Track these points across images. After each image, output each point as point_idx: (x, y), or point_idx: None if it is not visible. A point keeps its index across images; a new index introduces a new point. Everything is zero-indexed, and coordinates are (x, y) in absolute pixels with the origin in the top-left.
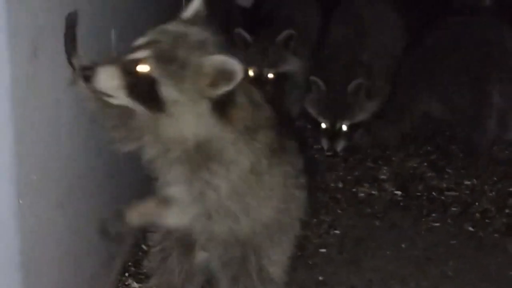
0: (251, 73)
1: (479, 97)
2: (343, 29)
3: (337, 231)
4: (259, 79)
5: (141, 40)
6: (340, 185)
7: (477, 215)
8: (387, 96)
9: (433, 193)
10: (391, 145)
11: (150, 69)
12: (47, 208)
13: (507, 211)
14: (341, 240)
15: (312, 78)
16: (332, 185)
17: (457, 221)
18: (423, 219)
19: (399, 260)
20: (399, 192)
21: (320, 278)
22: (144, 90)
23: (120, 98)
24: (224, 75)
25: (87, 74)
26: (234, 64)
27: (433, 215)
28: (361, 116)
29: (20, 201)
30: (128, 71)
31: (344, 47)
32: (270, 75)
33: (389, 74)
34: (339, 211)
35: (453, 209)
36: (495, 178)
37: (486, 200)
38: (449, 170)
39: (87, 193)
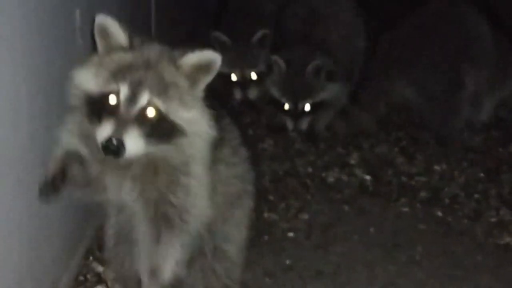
0: (234, 77)
1: (453, 83)
2: (303, 11)
3: (305, 216)
4: (241, 81)
5: (118, 85)
6: (310, 170)
7: (446, 200)
8: (353, 80)
9: (403, 178)
10: (366, 131)
11: (157, 108)
12: (6, 188)
13: (476, 196)
14: (309, 225)
15: (274, 57)
16: (301, 170)
17: (426, 206)
18: (392, 204)
19: (367, 245)
20: (368, 177)
21: (287, 262)
22: (163, 129)
23: (148, 151)
24: (203, 67)
25: (114, 149)
26: (209, 54)
27: (402, 200)
28: (323, 96)
29: None
30: (143, 123)
31: (304, 30)
32: (253, 76)
33: (356, 59)
34: (308, 196)
35: (422, 194)
36: (465, 164)
37: (456, 186)
38: (419, 156)
39: None
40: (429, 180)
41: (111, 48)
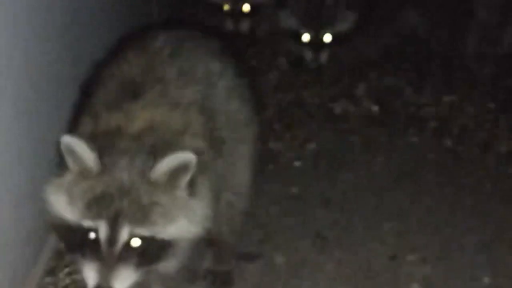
0: (226, 7)
1: (461, 11)
2: None
3: (311, 146)
4: (233, 12)
5: (95, 222)
6: (316, 100)
7: (456, 130)
8: (367, 8)
9: (411, 109)
10: (372, 60)
11: (142, 236)
12: None
13: (486, 126)
14: (316, 155)
15: None
16: (308, 100)
17: (435, 137)
18: (400, 135)
19: (375, 174)
20: (376, 108)
21: (294, 190)
22: (153, 250)
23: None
24: (179, 170)
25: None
26: (181, 157)
27: (411, 130)
28: (343, 26)
29: None
30: (128, 256)
31: None
32: (246, 7)
33: None
34: (314, 126)
35: (431, 124)
36: (474, 95)
37: (465, 116)
38: (427, 87)
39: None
40: (437, 111)
41: (83, 170)
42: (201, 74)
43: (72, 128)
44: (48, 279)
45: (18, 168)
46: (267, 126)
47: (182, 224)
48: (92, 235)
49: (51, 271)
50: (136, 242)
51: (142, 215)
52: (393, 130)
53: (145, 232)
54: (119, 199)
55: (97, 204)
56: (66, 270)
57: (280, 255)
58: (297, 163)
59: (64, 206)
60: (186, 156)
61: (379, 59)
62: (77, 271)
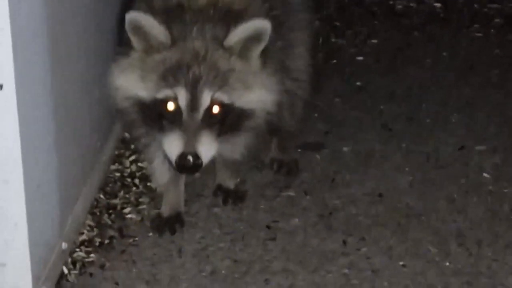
0: None
1: None
2: None
3: (374, 41)
4: None
5: (173, 90)
6: None
7: None
8: None
9: (475, 6)
10: None
11: (222, 103)
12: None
13: None
14: (378, 50)
15: None
16: None
17: (500, 32)
18: (464, 31)
19: (440, 68)
20: (438, 5)
21: (358, 84)
22: (231, 119)
23: (227, 149)
24: (253, 38)
25: (190, 166)
26: (255, 24)
27: (475, 26)
28: None
29: None
30: (210, 124)
31: None
32: None
33: None
34: (375, 23)
35: (496, 20)
36: None
37: None
38: None
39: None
40: (502, 7)
41: (151, 46)
42: None
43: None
44: (114, 167)
45: (82, 54)
46: (328, 22)
47: (259, 93)
48: (170, 105)
49: (117, 159)
50: (216, 109)
51: (221, 80)
52: (457, 27)
53: (225, 98)
54: (196, 65)
55: (173, 73)
56: (132, 158)
57: (346, 145)
58: (360, 58)
59: (136, 84)
60: (263, 24)
61: None
62: (142, 159)
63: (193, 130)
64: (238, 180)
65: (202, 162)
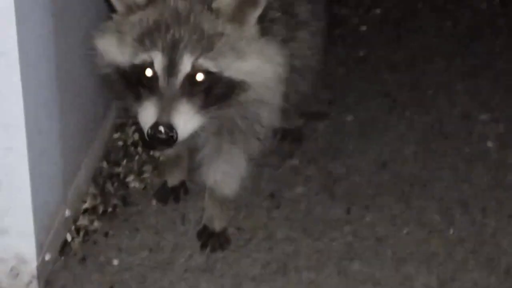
0: None
1: None
2: None
3: (377, 11)
4: None
5: (149, 54)
6: None
7: None
8: None
9: None
10: None
11: (206, 70)
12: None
13: None
14: (382, 20)
15: None
16: None
17: (504, 5)
18: (468, 2)
19: (443, 38)
20: None
21: (361, 53)
22: (219, 91)
23: (204, 123)
24: (248, 1)
25: (163, 138)
26: None
27: None
28: None
29: None
30: (191, 93)
31: None
32: None
33: None
34: None
35: None
36: None
37: None
38: None
39: None
40: None
41: (129, 7)
42: None
43: None
44: (117, 135)
45: (85, 20)
46: None
47: (253, 63)
48: (148, 72)
49: (120, 128)
50: (200, 77)
51: (206, 44)
52: None
53: (210, 64)
54: (176, 27)
55: (149, 35)
56: (134, 127)
57: (349, 114)
58: (363, 28)
59: (114, 49)
60: None
61: None
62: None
63: (170, 98)
64: (225, 224)
65: (177, 135)
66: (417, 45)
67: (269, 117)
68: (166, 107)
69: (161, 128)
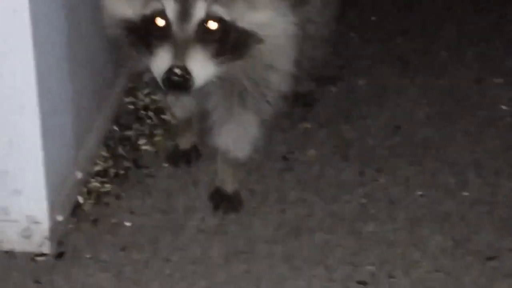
0: None
1: None
2: None
3: None
4: None
5: (160, 1)
6: None
7: None
8: None
9: None
10: None
11: (219, 17)
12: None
13: None
14: None
15: None
16: None
17: None
18: None
19: (454, 4)
20: None
21: (372, 18)
22: (232, 41)
23: (219, 73)
24: None
25: (179, 81)
26: None
27: None
28: None
29: None
30: (205, 41)
31: None
32: None
33: None
34: None
35: None
36: None
37: None
38: None
39: None
40: None
41: None
42: None
43: None
44: (128, 99)
45: None
46: None
47: (265, 15)
48: (160, 21)
49: (130, 92)
50: (213, 25)
51: None
52: None
53: (223, 13)
54: None
55: None
56: (145, 91)
57: (361, 79)
58: None
59: (122, 3)
60: None
61: None
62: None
63: (184, 44)
64: (237, 186)
65: (193, 79)
66: (428, 10)
67: (279, 83)
68: (180, 52)
69: (177, 70)
